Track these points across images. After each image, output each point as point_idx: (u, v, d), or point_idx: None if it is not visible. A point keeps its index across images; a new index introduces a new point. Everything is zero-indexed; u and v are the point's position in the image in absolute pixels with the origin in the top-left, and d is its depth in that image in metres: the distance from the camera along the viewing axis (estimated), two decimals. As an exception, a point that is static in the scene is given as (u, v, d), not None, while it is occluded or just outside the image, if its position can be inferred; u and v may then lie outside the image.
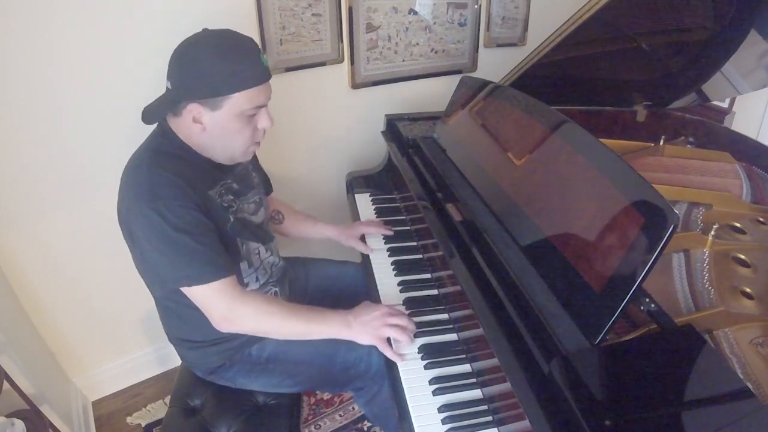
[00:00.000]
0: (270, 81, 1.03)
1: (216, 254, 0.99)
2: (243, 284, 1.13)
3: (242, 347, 1.16)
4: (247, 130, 1.03)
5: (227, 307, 1.00)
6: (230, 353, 1.16)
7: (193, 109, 0.98)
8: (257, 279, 1.17)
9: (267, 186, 1.35)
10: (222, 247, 1.02)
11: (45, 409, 1.40)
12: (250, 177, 1.22)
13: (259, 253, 1.17)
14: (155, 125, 1.08)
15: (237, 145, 1.05)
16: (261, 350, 1.17)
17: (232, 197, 1.10)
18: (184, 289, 1.00)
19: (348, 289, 1.41)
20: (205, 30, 1.01)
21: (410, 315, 1.13)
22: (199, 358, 1.18)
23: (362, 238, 1.42)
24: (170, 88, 1.00)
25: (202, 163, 1.06)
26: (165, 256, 0.96)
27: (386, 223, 1.46)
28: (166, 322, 1.19)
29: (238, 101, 0.98)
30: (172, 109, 1.02)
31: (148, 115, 1.04)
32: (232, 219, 1.09)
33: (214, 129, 1.01)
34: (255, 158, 1.29)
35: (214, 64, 0.95)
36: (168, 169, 0.98)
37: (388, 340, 1.05)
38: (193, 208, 0.97)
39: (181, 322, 1.13)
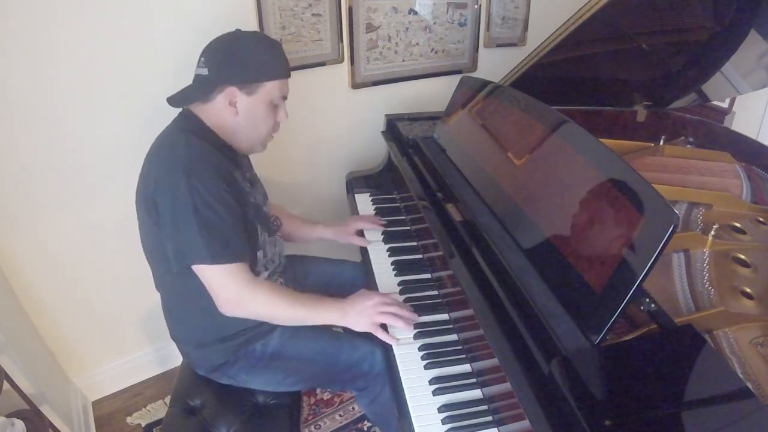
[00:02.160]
0: None
1: (236, 238, 1.02)
2: (255, 272, 1.14)
3: (247, 343, 1.16)
4: (270, 120, 1.14)
5: (236, 291, 1.02)
6: (234, 349, 1.16)
7: (230, 92, 1.07)
8: (266, 268, 1.19)
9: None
10: (243, 233, 1.05)
11: (45, 409, 1.40)
12: (254, 173, 1.27)
13: (274, 245, 1.21)
14: (170, 117, 1.13)
15: (261, 132, 1.15)
16: (265, 346, 1.18)
17: (249, 185, 1.16)
18: (196, 268, 1.01)
19: (347, 288, 1.41)
20: (237, 29, 1.13)
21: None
22: (203, 356, 1.18)
23: (360, 233, 1.44)
24: (207, 74, 1.06)
25: (226, 148, 1.12)
26: (187, 229, 0.98)
27: (386, 223, 1.46)
28: (174, 318, 1.20)
29: (271, 89, 1.10)
30: (206, 94, 1.08)
31: (177, 100, 1.11)
32: (253, 204, 1.13)
33: (246, 113, 1.10)
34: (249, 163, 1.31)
35: (255, 53, 1.08)
36: (203, 146, 1.03)
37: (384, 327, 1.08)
38: (224, 188, 1.01)
39: (192, 318, 1.14)
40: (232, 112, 1.09)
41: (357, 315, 1.08)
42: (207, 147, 1.04)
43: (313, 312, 1.09)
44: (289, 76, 1.15)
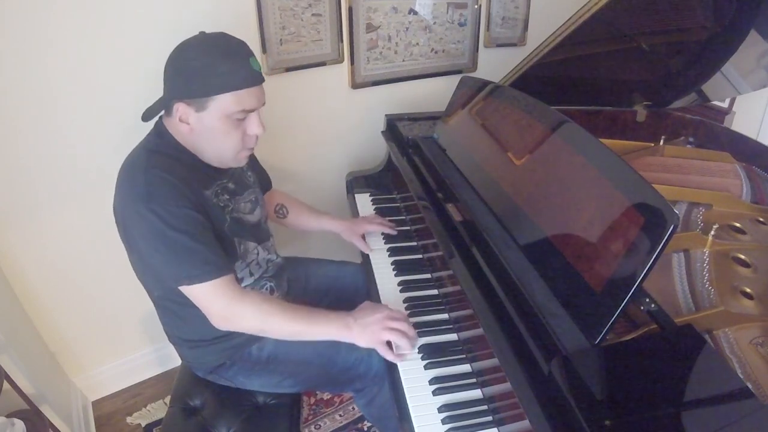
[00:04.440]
0: (263, 86, 1.03)
1: (213, 253, 0.99)
2: (237, 279, 1.12)
3: (242, 346, 1.16)
4: (235, 134, 1.02)
5: (226, 305, 1.00)
6: (230, 352, 1.16)
7: (179, 108, 0.99)
8: (251, 273, 1.17)
9: (265, 183, 1.35)
10: (219, 246, 1.02)
11: (45, 409, 1.40)
12: (245, 176, 1.22)
13: (257, 253, 1.18)
14: (153, 125, 1.09)
15: (225, 148, 1.04)
16: (261, 349, 1.17)
17: (228, 197, 1.11)
18: (183, 288, 1.00)
19: (347, 290, 1.41)
20: (201, 33, 1.01)
21: (410, 315, 1.13)
22: (199, 358, 1.18)
23: (363, 237, 1.42)
24: (164, 87, 1.01)
25: (197, 163, 1.06)
26: (163, 256, 0.96)
27: (396, 227, 1.44)
28: (166, 322, 1.19)
29: (224, 103, 0.97)
30: (165, 108, 1.04)
31: (145, 114, 1.06)
32: (228, 219, 1.09)
33: (200, 130, 1.01)
34: (252, 155, 1.29)
35: (199, 64, 0.95)
36: (164, 168, 0.98)
37: (389, 343, 1.04)
38: (189, 207, 0.97)
39: (181, 321, 1.14)
40: (186, 129, 1.00)
41: (362, 329, 1.03)
42: (170, 166, 0.98)
43: (312, 326, 1.04)
44: (252, 85, 0.99)
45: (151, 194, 0.94)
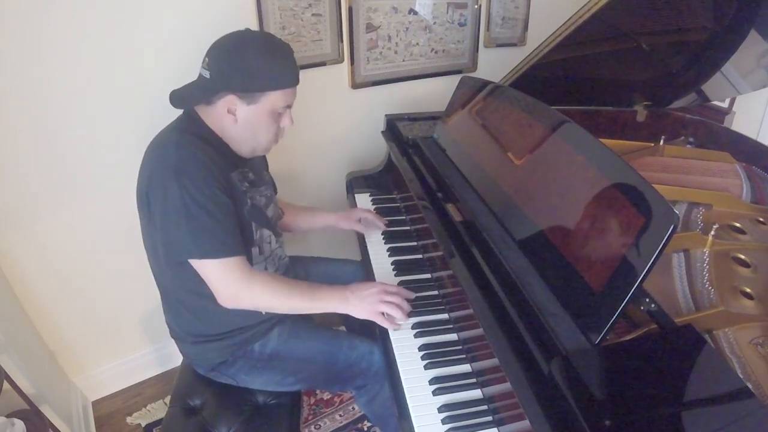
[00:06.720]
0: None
1: (230, 234, 1.02)
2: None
3: (245, 343, 1.17)
4: (273, 127, 1.11)
5: (235, 285, 1.03)
6: (233, 349, 1.16)
7: (230, 100, 1.04)
8: (266, 268, 1.18)
9: (274, 187, 1.37)
10: (237, 230, 1.05)
11: (45, 409, 1.40)
12: (263, 172, 1.26)
13: (270, 242, 1.19)
14: (169, 115, 1.11)
15: (262, 139, 1.11)
16: (263, 347, 1.18)
17: (248, 185, 1.14)
18: (193, 262, 1.02)
19: (348, 289, 1.42)
20: (247, 29, 1.07)
21: (410, 315, 1.12)
22: (201, 354, 1.18)
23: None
24: (209, 77, 1.04)
25: (225, 148, 1.11)
26: (180, 229, 0.98)
27: (388, 222, 1.46)
28: (173, 315, 1.20)
29: (274, 99, 1.05)
30: (207, 97, 1.06)
31: (178, 100, 1.09)
32: (249, 203, 1.12)
33: (245, 122, 1.07)
34: (265, 159, 1.32)
35: (259, 61, 1.02)
36: (196, 147, 1.01)
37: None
38: (215, 186, 1.00)
39: (190, 314, 1.15)
40: (231, 119, 1.06)
41: (359, 301, 1.08)
42: (201, 146, 1.02)
43: (313, 301, 1.09)
44: (297, 83, 1.09)
45: (182, 169, 0.97)
